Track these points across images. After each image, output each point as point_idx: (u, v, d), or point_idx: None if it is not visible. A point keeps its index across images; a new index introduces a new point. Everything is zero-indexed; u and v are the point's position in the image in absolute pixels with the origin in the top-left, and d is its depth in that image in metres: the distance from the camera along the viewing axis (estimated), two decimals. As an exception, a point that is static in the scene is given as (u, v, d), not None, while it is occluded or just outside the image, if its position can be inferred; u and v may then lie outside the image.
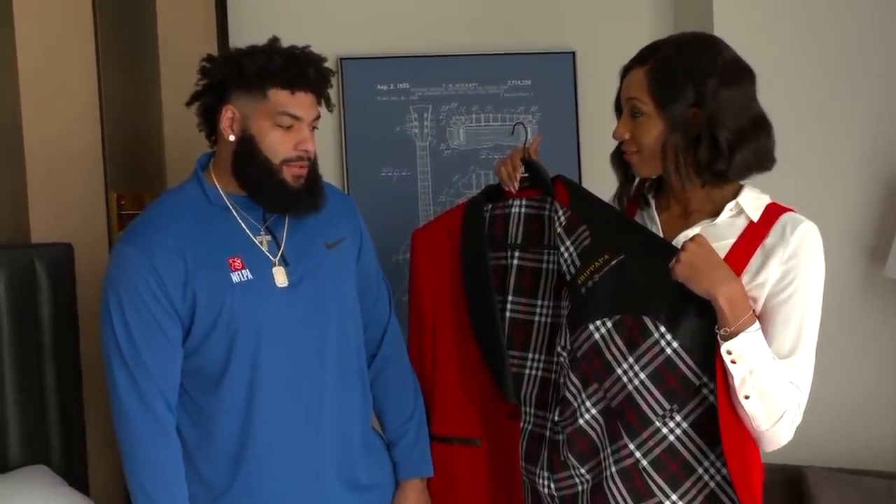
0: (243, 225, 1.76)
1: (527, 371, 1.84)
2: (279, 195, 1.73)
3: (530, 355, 1.84)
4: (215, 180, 1.77)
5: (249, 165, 1.72)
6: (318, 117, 1.76)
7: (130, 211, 2.34)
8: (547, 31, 2.84)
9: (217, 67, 1.75)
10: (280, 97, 1.69)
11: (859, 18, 2.79)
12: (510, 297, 1.86)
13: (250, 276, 1.72)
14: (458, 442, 1.95)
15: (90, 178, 2.28)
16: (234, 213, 1.76)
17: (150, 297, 1.67)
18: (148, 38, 2.41)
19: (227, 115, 1.72)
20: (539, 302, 1.84)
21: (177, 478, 1.73)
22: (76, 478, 2.11)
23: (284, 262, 1.76)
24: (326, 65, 1.78)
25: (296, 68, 1.70)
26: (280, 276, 1.75)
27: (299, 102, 1.70)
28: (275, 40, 1.76)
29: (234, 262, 1.72)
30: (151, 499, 1.71)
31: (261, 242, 1.76)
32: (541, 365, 1.82)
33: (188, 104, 1.81)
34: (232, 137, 1.72)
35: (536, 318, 1.84)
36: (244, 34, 2.65)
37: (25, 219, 2.15)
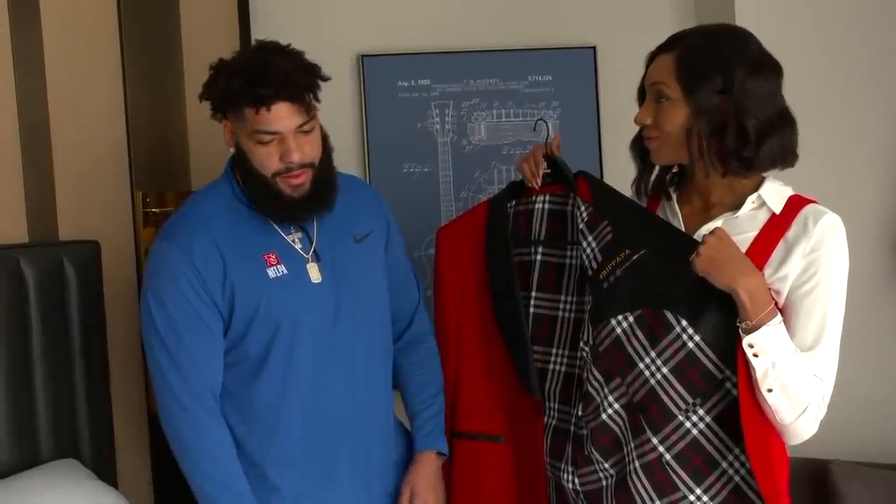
0: (273, 223, 1.78)
1: (551, 366, 1.84)
2: (277, 206, 1.73)
3: (554, 350, 1.84)
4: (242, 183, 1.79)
5: (247, 178, 1.74)
6: (306, 122, 1.69)
7: (155, 209, 2.37)
8: (567, 27, 2.84)
9: (205, 90, 1.74)
10: (251, 116, 1.66)
11: (883, 12, 2.77)
12: (534, 293, 1.86)
13: (286, 272, 1.75)
14: (482, 438, 1.95)
15: (116, 178, 2.31)
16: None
17: (191, 293, 1.70)
18: (172, 39, 2.44)
19: (227, 128, 1.74)
20: (562, 297, 1.84)
21: (232, 458, 1.76)
22: (105, 471, 2.15)
23: (317, 257, 1.79)
24: (324, 59, 1.75)
25: (256, 87, 1.63)
26: (314, 273, 1.78)
27: (272, 118, 1.65)
28: (256, 48, 1.73)
29: (269, 257, 1.75)
30: (213, 480, 1.73)
31: (293, 241, 1.79)
32: (564, 360, 1.82)
33: (213, 117, 1.81)
34: (232, 149, 1.75)
35: (560, 314, 1.84)
36: (266, 34, 2.67)
37: (53, 217, 2.18)
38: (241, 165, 1.74)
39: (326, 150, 1.78)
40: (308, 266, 1.78)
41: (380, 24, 2.75)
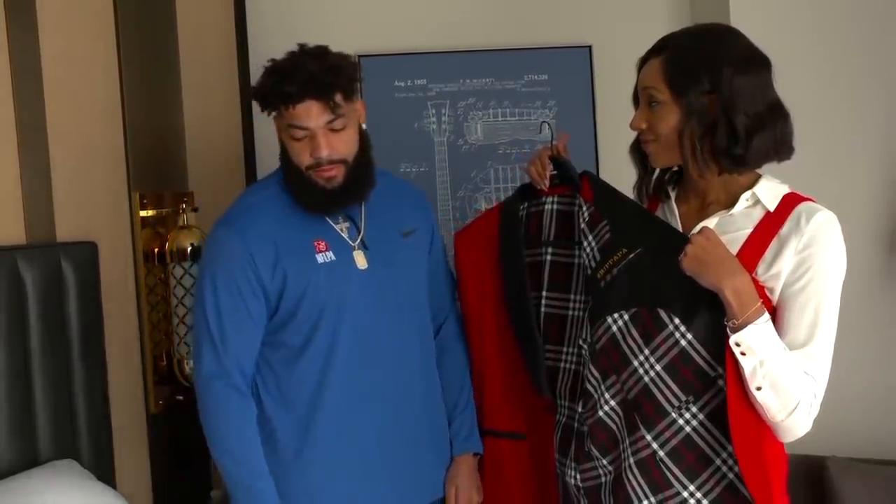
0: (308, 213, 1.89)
1: (562, 364, 1.86)
2: (310, 196, 1.85)
3: (565, 349, 1.86)
4: None
5: (287, 170, 1.87)
6: (334, 119, 1.79)
7: (153, 210, 2.38)
8: (563, 26, 2.85)
9: (252, 92, 1.87)
10: (285, 113, 1.79)
11: (878, 9, 2.78)
12: (545, 293, 1.89)
13: (333, 258, 1.86)
14: (505, 436, 2.00)
15: (114, 179, 2.32)
16: None
17: (242, 278, 1.82)
18: (169, 40, 2.44)
19: (276, 125, 1.87)
20: (572, 297, 1.86)
21: (254, 436, 1.86)
22: (104, 471, 2.15)
23: (364, 246, 1.90)
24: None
25: (284, 85, 1.76)
26: (360, 260, 1.89)
27: (301, 114, 1.77)
28: (292, 55, 1.82)
29: (318, 244, 1.87)
30: (234, 456, 1.84)
31: (341, 229, 1.90)
32: (574, 358, 1.84)
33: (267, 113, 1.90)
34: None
35: (570, 313, 1.86)
36: (263, 35, 2.68)
37: (51, 219, 2.18)
38: (283, 158, 1.88)
39: (363, 147, 1.88)
40: (354, 253, 1.89)
41: (376, 25, 2.76)
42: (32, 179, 2.15)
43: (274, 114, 1.83)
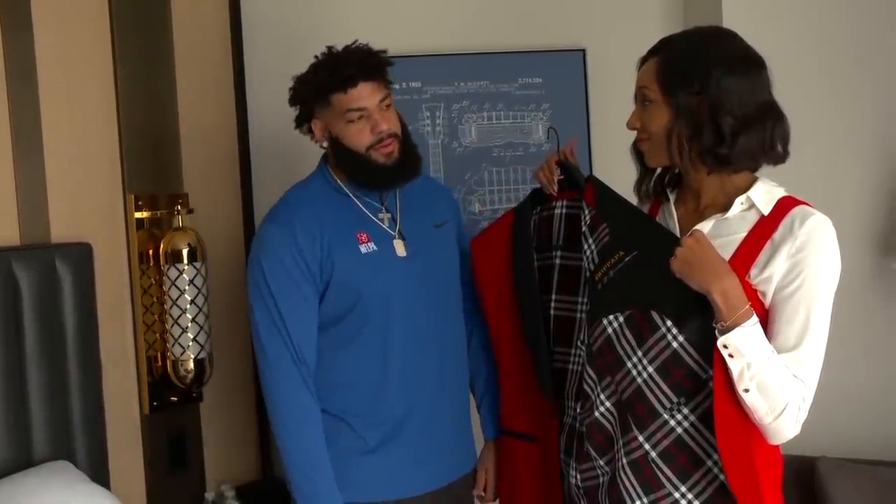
0: (364, 208, 2.00)
1: (570, 366, 1.88)
2: (374, 174, 1.95)
3: (573, 351, 1.88)
4: (334, 174, 2.02)
5: (345, 160, 1.97)
6: (387, 96, 1.94)
7: (148, 211, 2.38)
8: (557, 29, 2.86)
9: (294, 94, 2.00)
10: (340, 100, 1.92)
11: (870, 13, 2.79)
12: (554, 296, 1.92)
13: (375, 248, 1.97)
14: (517, 436, 2.04)
15: (108, 180, 2.32)
16: (355, 199, 2.00)
17: (291, 264, 1.91)
18: (164, 41, 2.45)
19: (317, 128, 1.99)
20: (580, 299, 1.87)
21: (316, 418, 1.93)
22: (98, 472, 2.15)
23: (402, 236, 2.01)
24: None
25: (338, 71, 1.90)
26: (400, 248, 1.99)
27: (357, 96, 1.91)
28: (327, 51, 1.96)
29: (361, 235, 1.97)
30: (293, 436, 1.92)
31: (381, 220, 2.01)
32: (581, 360, 1.85)
33: (298, 128, 2.02)
34: (325, 144, 2.00)
35: (578, 315, 1.88)
36: (257, 37, 2.68)
37: (46, 220, 2.18)
38: (336, 153, 1.97)
39: (404, 125, 2.01)
40: (394, 242, 1.99)
41: (370, 27, 2.75)
42: (27, 180, 2.15)
43: (317, 115, 1.95)
